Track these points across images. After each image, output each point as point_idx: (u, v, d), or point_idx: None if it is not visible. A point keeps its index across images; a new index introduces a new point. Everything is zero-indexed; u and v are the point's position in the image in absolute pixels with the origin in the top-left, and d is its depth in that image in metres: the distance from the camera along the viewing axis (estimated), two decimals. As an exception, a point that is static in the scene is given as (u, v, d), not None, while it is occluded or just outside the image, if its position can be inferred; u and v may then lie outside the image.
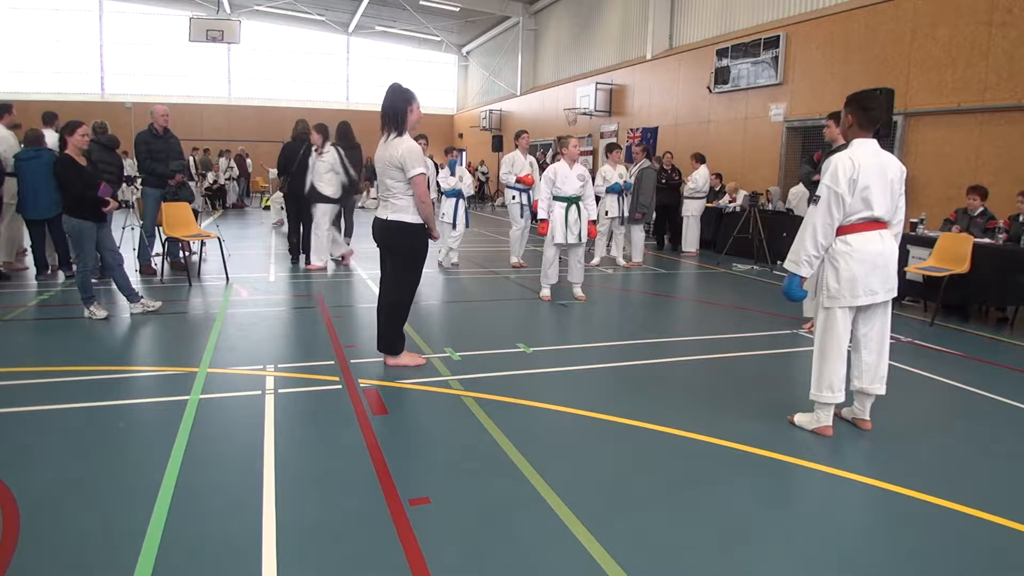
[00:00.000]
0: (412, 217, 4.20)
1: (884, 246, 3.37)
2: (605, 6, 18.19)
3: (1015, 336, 6.00)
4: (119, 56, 24.76)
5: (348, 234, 9.26)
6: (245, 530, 2.45)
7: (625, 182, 9.17)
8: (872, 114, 3.37)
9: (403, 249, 4.30)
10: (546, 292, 6.89)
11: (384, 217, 4.26)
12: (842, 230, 3.36)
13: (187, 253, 8.05)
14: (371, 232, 4.40)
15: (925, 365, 4.92)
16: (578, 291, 6.87)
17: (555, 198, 6.62)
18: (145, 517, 2.50)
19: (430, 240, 4.37)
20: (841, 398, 3.49)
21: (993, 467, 3.23)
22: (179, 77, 25.52)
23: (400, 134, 4.15)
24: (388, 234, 4.29)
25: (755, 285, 8.29)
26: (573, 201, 6.64)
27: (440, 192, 9.00)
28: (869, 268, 3.33)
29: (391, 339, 4.41)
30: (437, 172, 9.44)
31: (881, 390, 3.54)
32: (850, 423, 3.67)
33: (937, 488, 2.94)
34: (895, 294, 3.47)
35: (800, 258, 3.38)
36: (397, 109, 4.13)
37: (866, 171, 3.26)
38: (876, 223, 3.36)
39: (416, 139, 8.62)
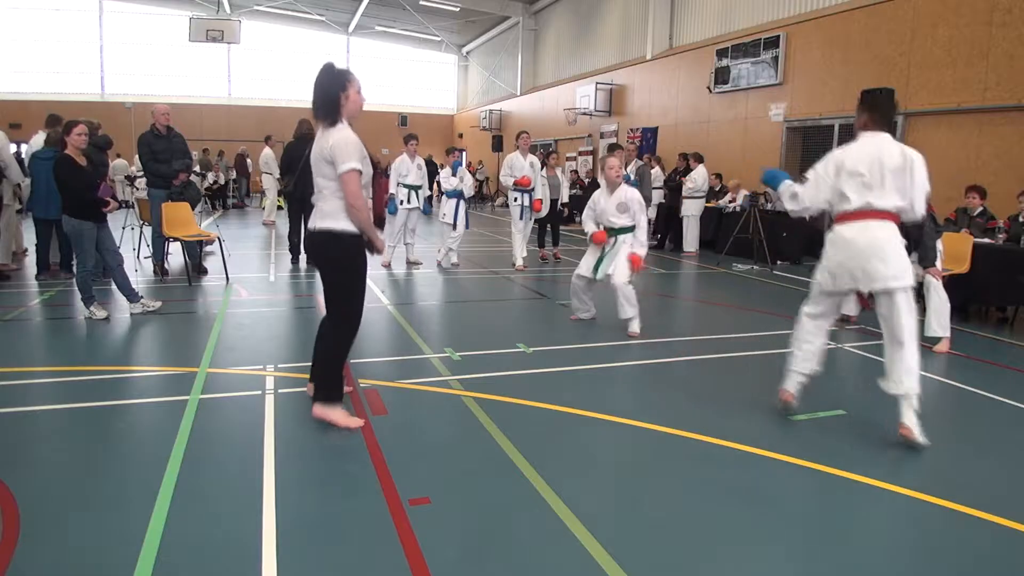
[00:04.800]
0: (343, 225, 3.34)
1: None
2: (605, 6, 18.19)
3: (1015, 336, 6.00)
4: (119, 56, 24.78)
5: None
6: (245, 530, 2.44)
7: (628, 178, 9.26)
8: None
9: (333, 265, 3.43)
10: (582, 314, 5.98)
11: (312, 227, 3.43)
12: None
13: (201, 251, 7.97)
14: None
15: (925, 365, 4.90)
16: (634, 327, 5.52)
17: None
18: (145, 517, 2.50)
19: (372, 254, 3.53)
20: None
21: (993, 467, 3.23)
22: (179, 77, 25.53)
23: (333, 124, 3.32)
24: (316, 248, 3.46)
25: (755, 285, 8.29)
26: (612, 234, 5.60)
27: (441, 192, 9.00)
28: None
29: (325, 385, 3.49)
30: (437, 172, 9.44)
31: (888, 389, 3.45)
32: (852, 425, 3.67)
33: (937, 488, 2.94)
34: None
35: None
36: (328, 95, 3.29)
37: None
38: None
39: (407, 139, 8.68)
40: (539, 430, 3.49)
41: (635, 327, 5.52)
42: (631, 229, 5.56)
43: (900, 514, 2.76)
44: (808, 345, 3.67)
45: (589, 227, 5.70)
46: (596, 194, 5.70)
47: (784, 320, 6.17)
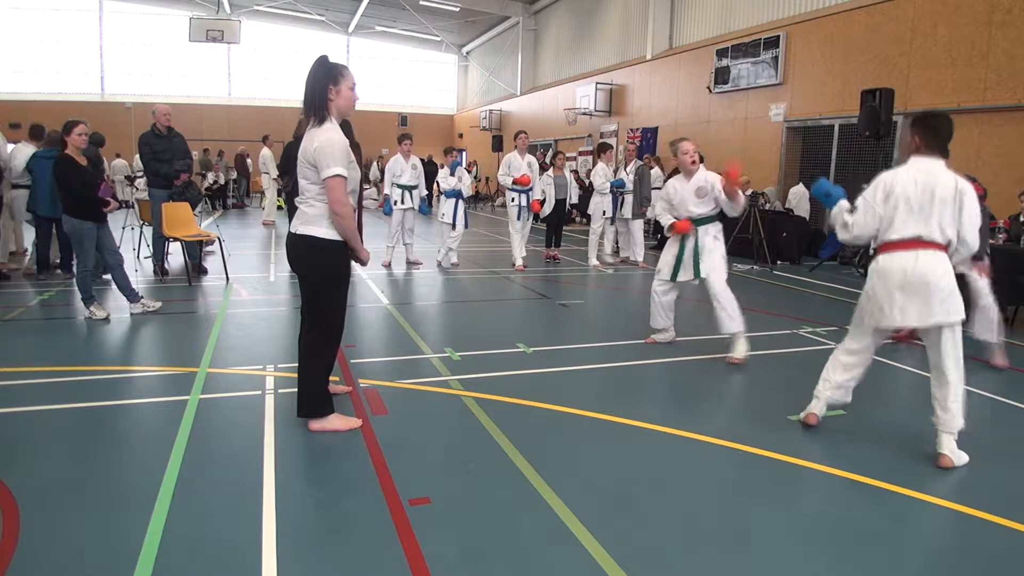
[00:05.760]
0: (326, 231, 3.22)
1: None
2: (605, 6, 18.19)
3: (1015, 336, 6.00)
4: (119, 56, 24.78)
5: None
6: (245, 530, 2.44)
7: (622, 182, 9.29)
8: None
9: (314, 274, 3.31)
10: (660, 336, 5.28)
11: (292, 230, 3.32)
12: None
13: (201, 251, 7.97)
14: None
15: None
16: (738, 348, 4.78)
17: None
18: (145, 517, 2.50)
19: (356, 263, 3.43)
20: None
21: (998, 469, 3.22)
22: (179, 77, 25.54)
23: (320, 122, 3.19)
24: (297, 254, 3.33)
25: (755, 285, 8.29)
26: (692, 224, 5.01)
27: (440, 192, 9.01)
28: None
29: (313, 399, 3.40)
30: (436, 173, 9.44)
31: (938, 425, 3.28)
32: (852, 426, 3.67)
33: (937, 488, 2.94)
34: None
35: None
36: (315, 90, 3.16)
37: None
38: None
39: (400, 139, 8.67)
40: (539, 430, 3.49)
41: (740, 349, 4.75)
42: (713, 219, 4.93)
43: (900, 514, 2.76)
44: (843, 378, 3.50)
45: (666, 219, 5.08)
46: (671, 182, 5.17)
47: (784, 320, 6.17)
